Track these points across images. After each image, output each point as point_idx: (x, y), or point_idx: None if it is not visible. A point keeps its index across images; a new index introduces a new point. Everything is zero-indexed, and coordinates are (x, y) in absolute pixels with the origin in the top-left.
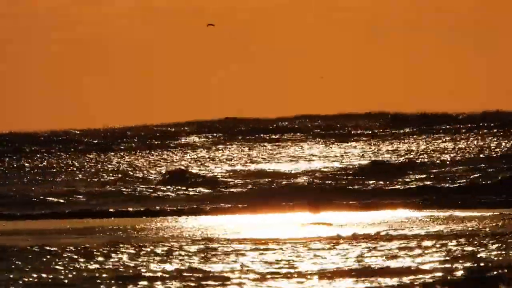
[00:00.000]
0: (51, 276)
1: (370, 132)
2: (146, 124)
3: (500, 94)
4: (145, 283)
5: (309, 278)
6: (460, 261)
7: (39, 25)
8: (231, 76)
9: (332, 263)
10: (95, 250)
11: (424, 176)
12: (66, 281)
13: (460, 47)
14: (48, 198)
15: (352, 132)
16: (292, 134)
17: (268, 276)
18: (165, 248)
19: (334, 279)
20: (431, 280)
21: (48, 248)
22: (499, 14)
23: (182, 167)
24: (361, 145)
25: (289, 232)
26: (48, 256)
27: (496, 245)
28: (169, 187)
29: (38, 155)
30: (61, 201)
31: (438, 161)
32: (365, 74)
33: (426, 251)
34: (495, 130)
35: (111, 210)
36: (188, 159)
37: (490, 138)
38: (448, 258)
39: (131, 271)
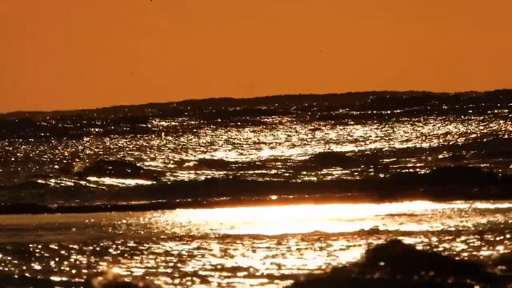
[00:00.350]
0: None
1: (359, 113)
2: (106, 107)
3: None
4: None
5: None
6: None
7: None
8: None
9: None
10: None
11: (433, 164)
12: None
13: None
14: None
15: (338, 114)
16: (271, 116)
17: None
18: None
19: None
20: None
21: None
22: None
23: (150, 154)
24: (352, 128)
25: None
26: None
27: None
28: (128, 178)
29: None
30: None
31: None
32: (365, 54)
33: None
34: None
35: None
36: (156, 145)
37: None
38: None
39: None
